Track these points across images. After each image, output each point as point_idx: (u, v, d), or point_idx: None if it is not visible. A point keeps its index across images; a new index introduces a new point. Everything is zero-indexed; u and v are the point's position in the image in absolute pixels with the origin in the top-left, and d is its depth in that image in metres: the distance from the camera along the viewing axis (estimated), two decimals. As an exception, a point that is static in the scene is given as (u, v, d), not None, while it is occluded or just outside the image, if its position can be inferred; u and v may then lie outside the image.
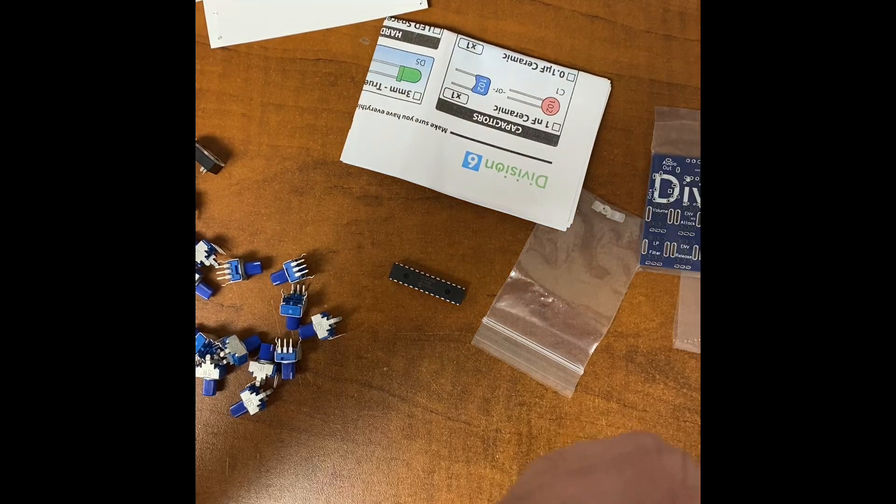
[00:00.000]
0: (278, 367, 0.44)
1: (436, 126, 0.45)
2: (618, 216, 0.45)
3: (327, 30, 0.47)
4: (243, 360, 0.45)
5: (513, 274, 0.45)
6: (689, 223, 0.44)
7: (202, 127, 0.46)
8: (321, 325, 0.44)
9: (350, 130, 0.46)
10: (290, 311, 0.44)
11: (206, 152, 0.45)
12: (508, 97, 0.46)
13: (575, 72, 0.46)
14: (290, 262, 0.45)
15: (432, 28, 0.46)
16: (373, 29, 0.47)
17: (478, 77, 0.46)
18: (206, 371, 0.44)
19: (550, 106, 0.46)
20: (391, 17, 0.47)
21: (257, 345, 0.45)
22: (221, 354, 0.44)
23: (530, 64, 0.46)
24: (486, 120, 0.46)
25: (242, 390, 0.44)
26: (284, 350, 0.44)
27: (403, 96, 0.46)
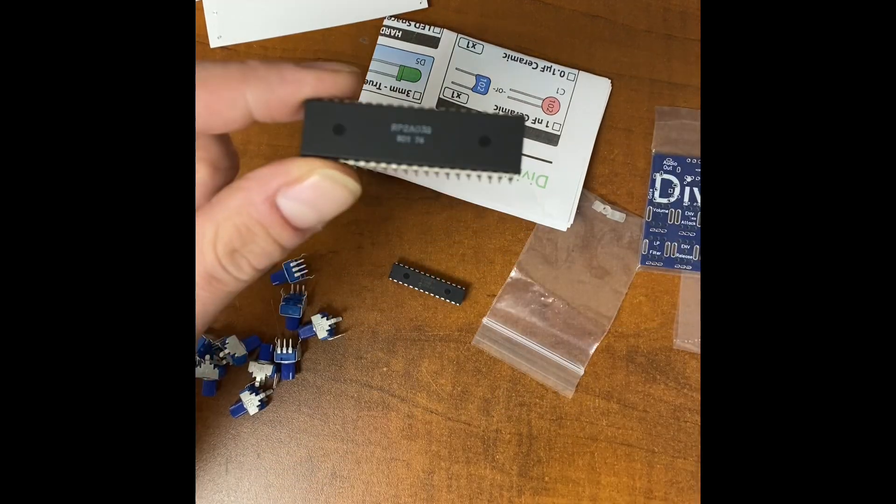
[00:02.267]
0: (278, 368, 0.44)
1: (436, 126, 0.45)
2: (618, 216, 0.45)
3: (327, 29, 0.47)
4: (242, 361, 0.44)
5: (513, 274, 0.45)
6: (690, 223, 0.44)
7: (201, 127, 0.46)
8: (321, 326, 0.44)
9: (350, 130, 0.46)
10: (290, 312, 0.44)
11: (205, 152, 0.45)
12: (509, 97, 0.46)
13: (575, 71, 0.46)
14: (290, 261, 0.45)
15: (432, 27, 0.46)
16: (372, 28, 0.47)
17: (478, 76, 0.46)
18: (205, 371, 0.43)
19: (551, 105, 0.46)
20: (391, 16, 0.47)
21: (257, 345, 0.45)
22: (221, 355, 0.44)
23: (530, 63, 0.46)
24: (486, 120, 0.45)
25: (242, 391, 0.44)
26: (284, 350, 0.44)
27: (403, 95, 0.46)
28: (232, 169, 0.26)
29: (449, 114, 0.22)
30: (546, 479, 0.44)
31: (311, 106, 0.22)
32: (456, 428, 0.44)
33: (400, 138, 0.22)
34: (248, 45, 0.47)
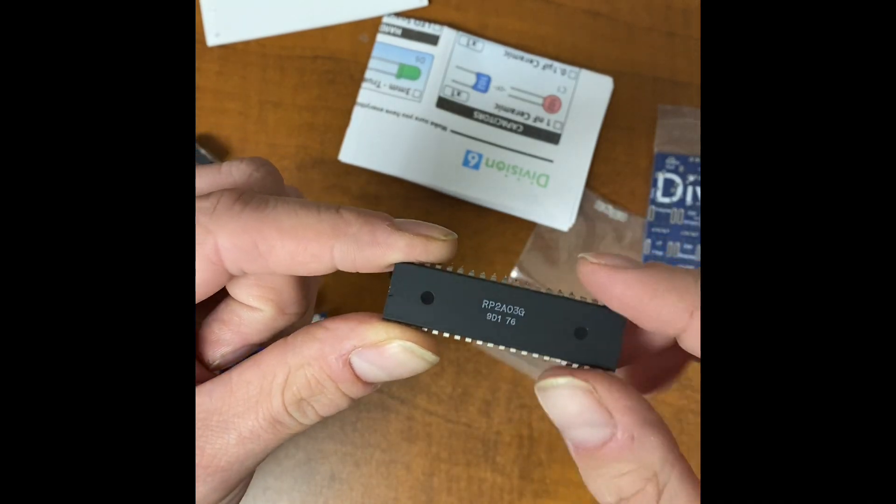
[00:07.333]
0: (276, 369, 0.44)
1: (435, 124, 0.45)
2: (620, 216, 0.45)
3: (326, 27, 0.47)
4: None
5: (514, 274, 0.44)
6: (693, 223, 0.44)
7: (199, 125, 0.46)
8: (319, 326, 0.44)
9: (349, 129, 0.45)
10: (288, 312, 0.44)
11: (203, 151, 0.44)
12: (509, 95, 0.45)
13: (577, 69, 0.45)
14: (288, 262, 0.44)
15: (432, 25, 0.46)
16: (372, 26, 0.46)
17: (478, 74, 0.45)
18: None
19: (552, 104, 0.45)
20: (390, 14, 0.46)
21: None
22: (218, 356, 0.44)
23: (531, 61, 0.45)
24: (486, 118, 0.45)
25: (240, 392, 0.44)
26: (282, 351, 0.44)
27: (403, 94, 0.45)
28: (299, 315, 0.26)
29: (546, 297, 0.21)
30: (547, 481, 0.43)
31: (401, 270, 0.22)
32: (456, 430, 0.44)
33: (490, 316, 0.21)
34: (246, 44, 0.46)
